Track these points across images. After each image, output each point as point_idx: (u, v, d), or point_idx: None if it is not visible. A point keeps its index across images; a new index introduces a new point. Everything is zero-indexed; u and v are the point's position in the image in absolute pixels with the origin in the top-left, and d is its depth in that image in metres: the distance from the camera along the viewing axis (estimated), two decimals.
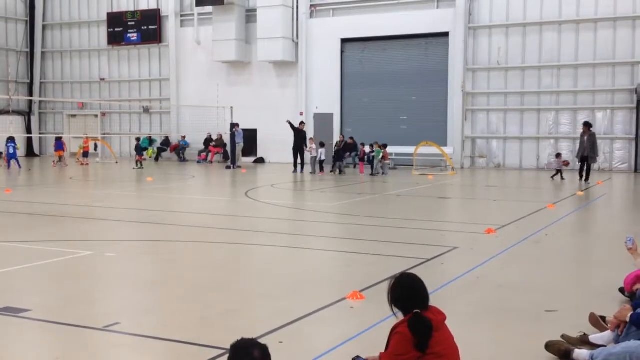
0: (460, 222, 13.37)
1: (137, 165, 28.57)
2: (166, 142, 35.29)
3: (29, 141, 38.19)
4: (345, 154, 29.05)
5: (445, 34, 29.12)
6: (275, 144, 31.35)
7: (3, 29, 37.64)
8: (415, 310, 3.90)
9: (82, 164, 30.50)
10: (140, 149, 30.38)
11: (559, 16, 27.41)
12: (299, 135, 26.14)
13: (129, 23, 36.28)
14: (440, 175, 24.77)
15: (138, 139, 31.68)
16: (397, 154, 28.76)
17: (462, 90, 28.71)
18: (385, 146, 24.82)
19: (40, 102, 39.03)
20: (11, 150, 27.91)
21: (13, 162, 27.91)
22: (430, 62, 29.81)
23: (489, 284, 7.65)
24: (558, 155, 23.04)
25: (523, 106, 28.35)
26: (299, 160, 25.85)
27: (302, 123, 26.96)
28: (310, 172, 24.41)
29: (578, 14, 27.13)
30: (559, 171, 22.08)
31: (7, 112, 31.81)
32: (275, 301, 6.99)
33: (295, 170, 25.66)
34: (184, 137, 34.31)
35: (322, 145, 25.50)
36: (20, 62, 38.62)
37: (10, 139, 28.20)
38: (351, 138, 29.56)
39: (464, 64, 28.73)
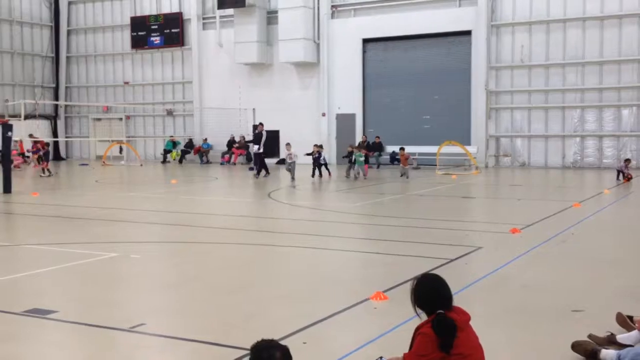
0: (484, 221, 13.27)
1: (43, 173, 25.37)
2: (190, 144, 35.53)
3: (56, 145, 38.69)
4: (370, 154, 29.03)
5: (468, 33, 28.92)
6: (297, 145, 31.34)
7: (29, 35, 38.21)
8: (439, 311, 3.88)
9: (35, 167, 28.71)
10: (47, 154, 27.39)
11: (582, 13, 27.08)
12: (258, 137, 24.64)
13: (152, 27, 36.60)
14: (464, 174, 24.61)
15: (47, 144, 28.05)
16: (420, 154, 28.63)
17: (485, 89, 28.49)
18: (402, 149, 23.61)
19: (66, 106, 39.52)
20: None
21: None
22: (452, 61, 29.62)
23: (514, 284, 7.59)
24: (627, 161, 21.80)
25: (547, 104, 28.05)
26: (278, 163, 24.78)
27: (260, 124, 25.37)
28: (292, 179, 22.00)
29: (602, 10, 26.78)
30: (622, 172, 20.90)
31: (33, 117, 32.27)
32: (299, 302, 7.00)
33: (257, 175, 23.92)
34: (206, 139, 34.51)
35: (321, 147, 23.76)
36: (45, 67, 39.16)
37: None
38: (377, 137, 29.54)
39: (487, 62, 28.51)
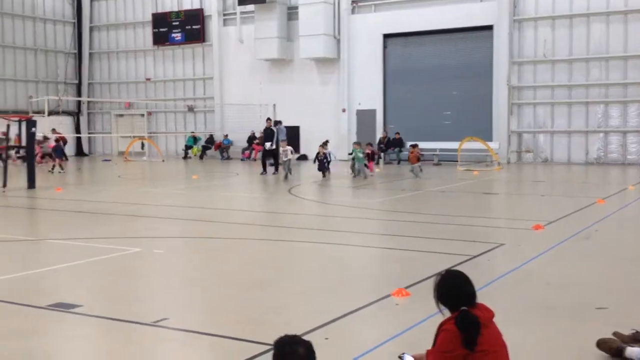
0: (506, 218, 13.17)
1: (53, 170, 25.11)
2: (210, 140, 35.70)
3: (78, 141, 39.09)
4: (389, 150, 28.96)
5: (489, 27, 28.67)
6: (318, 141, 31.29)
7: (52, 31, 38.59)
8: (463, 308, 3.86)
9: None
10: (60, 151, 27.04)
11: (606, 7, 26.71)
12: (266, 133, 24.23)
13: (173, 23, 36.79)
14: (486, 170, 24.43)
15: (57, 140, 27.51)
16: (441, 150, 28.51)
17: (507, 84, 28.24)
18: (413, 146, 22.63)
19: (89, 102, 39.89)
20: None
21: None
22: (474, 56, 29.39)
23: (537, 281, 7.52)
24: None
25: (571, 99, 27.73)
26: (278, 161, 23.60)
27: (268, 119, 25.20)
28: (283, 179, 21.12)
29: (626, 4, 26.38)
30: None
31: (57, 113, 32.63)
32: (320, 298, 7.00)
33: (263, 172, 23.32)
34: (226, 135, 34.64)
35: (325, 145, 22.87)
36: (68, 64, 39.54)
37: None
38: (397, 133, 29.42)
39: (509, 57, 28.25)
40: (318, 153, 22.58)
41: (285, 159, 21.86)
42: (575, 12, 27.21)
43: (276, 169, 23.62)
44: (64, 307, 6.55)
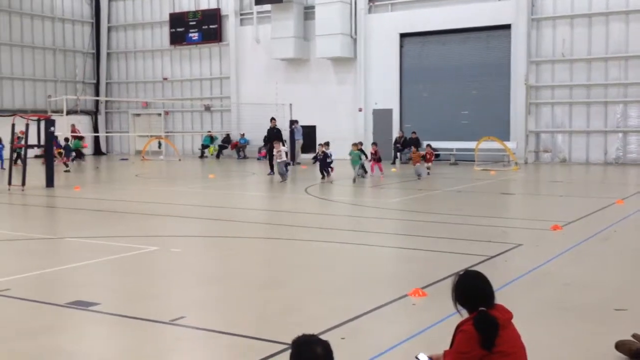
0: (524, 218, 13.08)
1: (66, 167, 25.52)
2: (227, 139, 35.81)
3: (96, 140, 39.41)
4: (405, 149, 28.88)
5: (507, 26, 28.49)
6: (334, 141, 31.32)
7: (70, 31, 38.92)
8: (481, 308, 3.84)
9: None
10: (69, 149, 27.80)
11: (625, 6, 26.45)
12: (272, 133, 23.86)
13: (190, 23, 36.95)
14: (503, 170, 24.29)
15: (67, 139, 28.20)
16: (458, 149, 28.40)
17: (525, 84, 28.05)
18: (415, 147, 22.14)
19: (106, 101, 40.19)
20: None
21: None
22: (491, 55, 29.24)
23: (556, 282, 7.47)
24: None
25: (589, 99, 27.49)
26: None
27: (272, 119, 24.94)
28: (280, 181, 20.19)
29: None
30: None
31: (75, 112, 32.90)
32: (337, 297, 7.00)
33: (271, 172, 22.72)
34: (243, 135, 34.73)
35: (326, 145, 21.93)
36: (87, 63, 39.86)
37: None
38: (413, 133, 29.33)
39: (527, 56, 28.06)
40: (317, 152, 22.14)
41: (279, 160, 20.48)
42: (594, 11, 26.97)
43: (287, 164, 22.99)
44: (82, 305, 6.61)
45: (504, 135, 27.56)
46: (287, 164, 20.70)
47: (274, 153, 21.13)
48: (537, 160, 28.43)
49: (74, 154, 31.05)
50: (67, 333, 5.89)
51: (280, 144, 21.50)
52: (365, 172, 21.61)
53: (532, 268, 8.07)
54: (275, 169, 21.21)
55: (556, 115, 28.15)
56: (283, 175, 20.21)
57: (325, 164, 21.11)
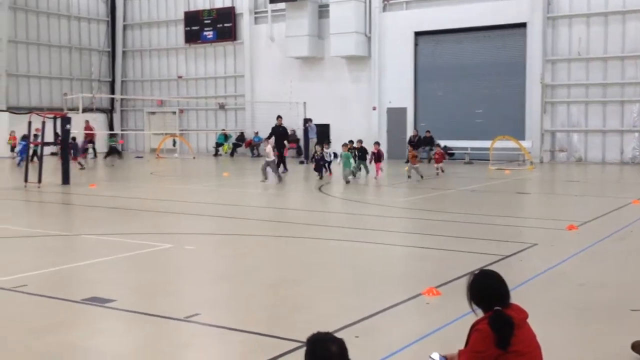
0: (539, 217, 13.00)
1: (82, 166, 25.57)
2: (241, 137, 35.89)
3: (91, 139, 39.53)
4: (420, 148, 28.77)
5: (522, 25, 28.31)
6: (348, 139, 31.35)
7: (86, 30, 39.17)
8: (496, 308, 3.82)
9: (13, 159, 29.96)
10: (76, 148, 26.84)
11: None
12: (277, 131, 23.59)
13: (205, 21, 37.06)
14: (518, 169, 24.15)
15: (74, 138, 26.89)
16: (472, 148, 28.27)
17: (540, 82, 27.87)
18: (412, 146, 21.12)
19: (122, 99, 40.42)
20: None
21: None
22: (506, 54, 29.06)
23: (571, 282, 7.42)
24: None
25: (605, 98, 27.25)
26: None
27: (279, 117, 24.53)
28: (261, 180, 19.34)
29: None
30: None
31: (90, 110, 33.12)
32: (350, 296, 7.00)
33: (283, 171, 22.33)
34: (257, 133, 34.80)
35: (327, 144, 21.94)
36: (102, 61, 40.11)
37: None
38: (428, 132, 29.24)
39: (543, 55, 27.87)
40: (315, 152, 21.61)
41: (269, 160, 19.46)
42: (610, 10, 26.73)
43: (301, 162, 22.65)
44: (98, 301, 6.65)
45: (519, 134, 27.41)
46: (273, 163, 19.54)
47: (262, 152, 20.14)
48: (553, 159, 28.24)
49: (91, 150, 31.30)
50: (82, 329, 5.94)
51: (268, 142, 20.53)
52: (363, 171, 20.86)
53: (547, 268, 8.03)
54: (266, 168, 19.68)
55: (572, 115, 27.94)
56: (264, 172, 19.27)
57: (320, 164, 20.66)
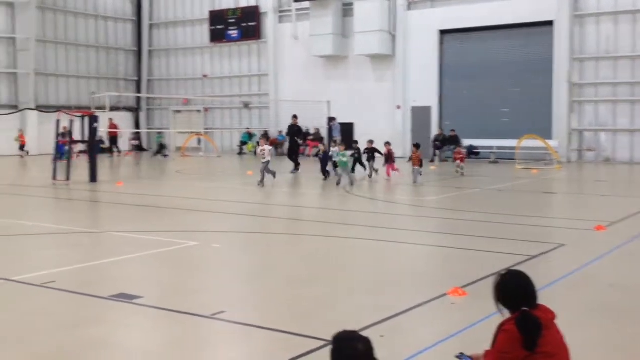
0: (567, 218, 12.85)
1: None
2: (265, 136, 35.96)
3: (138, 136, 39.97)
4: (444, 147, 28.62)
5: (549, 23, 27.99)
6: (372, 138, 31.28)
7: (113, 29, 39.59)
8: (524, 308, 3.78)
9: (21, 157, 30.75)
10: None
11: None
12: (292, 130, 23.30)
13: (230, 20, 37.22)
14: (545, 169, 23.89)
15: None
16: (498, 147, 28.01)
17: (568, 81, 27.53)
18: (415, 146, 19.20)
19: (148, 98, 40.78)
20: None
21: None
22: (533, 52, 28.75)
23: (600, 283, 7.33)
24: None
25: (634, 97, 26.83)
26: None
27: (294, 117, 24.15)
28: (258, 183, 18.15)
29: None
30: None
31: (117, 109, 33.49)
32: (375, 295, 6.98)
33: (294, 170, 22.35)
34: (281, 132, 34.88)
35: (334, 142, 20.72)
36: (129, 61, 40.50)
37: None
38: (452, 130, 29.05)
39: (570, 53, 27.52)
40: (319, 151, 20.84)
41: (263, 160, 18.36)
42: (639, 7, 26.31)
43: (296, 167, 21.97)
44: (126, 297, 6.73)
45: (546, 134, 27.09)
46: (268, 164, 18.30)
47: (258, 152, 18.97)
48: (580, 159, 27.88)
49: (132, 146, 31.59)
50: (110, 325, 6.01)
51: (264, 141, 19.52)
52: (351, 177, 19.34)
53: (575, 269, 7.94)
54: (262, 169, 18.50)
55: (600, 114, 27.56)
56: (262, 175, 18.20)
57: (325, 163, 19.85)
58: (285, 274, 8.02)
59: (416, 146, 19.16)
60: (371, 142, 21.19)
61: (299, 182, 20.38)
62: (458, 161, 21.44)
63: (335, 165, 18.73)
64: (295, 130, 23.82)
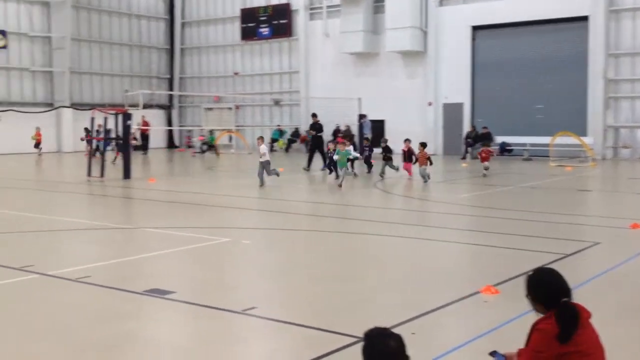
0: (602, 216, 12.63)
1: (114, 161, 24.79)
2: (296, 133, 36.08)
3: (170, 134, 40.42)
4: (476, 144, 28.34)
5: (584, 18, 27.52)
6: (403, 135, 31.07)
7: (146, 28, 40.05)
8: (564, 299, 3.75)
9: (40, 155, 30.62)
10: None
11: None
12: (314, 128, 23.35)
13: (261, 18, 37.37)
14: (580, 166, 23.52)
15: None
16: (531, 144, 27.66)
17: (603, 77, 27.05)
18: (424, 145, 18.70)
19: (180, 96, 41.17)
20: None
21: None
22: (566, 48, 28.30)
23: (635, 283, 7.20)
24: None
25: None
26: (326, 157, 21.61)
27: (314, 115, 24.16)
28: (260, 185, 17.32)
29: None
30: None
31: (150, 106, 33.84)
32: (406, 292, 6.96)
33: (307, 168, 22.09)
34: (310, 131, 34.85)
35: (350, 141, 20.64)
36: (161, 59, 40.93)
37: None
38: (485, 127, 28.77)
39: (606, 48, 27.03)
40: (328, 149, 20.48)
41: (261, 160, 17.60)
42: None
43: (355, 158, 21.73)
44: (159, 293, 6.81)
45: (581, 130, 26.67)
46: (268, 164, 17.59)
47: (260, 152, 17.85)
48: (616, 156, 27.38)
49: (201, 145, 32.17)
50: (143, 320, 6.09)
51: (262, 141, 18.51)
52: (389, 170, 19.34)
53: (610, 267, 7.80)
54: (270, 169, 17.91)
55: (636, 110, 27.02)
56: (260, 177, 17.52)
57: (333, 161, 18.95)
58: (316, 271, 8.03)
59: (422, 145, 18.70)
60: (385, 140, 20.75)
61: (324, 179, 20.38)
62: (486, 162, 19.81)
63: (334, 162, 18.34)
64: (317, 128, 23.97)
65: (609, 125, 27.39)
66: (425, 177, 18.04)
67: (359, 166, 21.96)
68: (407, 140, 19.67)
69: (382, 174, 19.52)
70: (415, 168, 18.78)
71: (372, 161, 21.83)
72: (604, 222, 11.52)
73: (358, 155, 19.82)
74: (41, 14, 34.90)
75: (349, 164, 18.30)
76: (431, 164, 18.40)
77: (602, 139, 27.21)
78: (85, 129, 31.05)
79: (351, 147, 19.29)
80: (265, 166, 17.52)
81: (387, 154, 19.81)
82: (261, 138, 18.76)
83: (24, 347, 5.43)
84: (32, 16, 34.49)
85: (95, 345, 5.42)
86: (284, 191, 16.96)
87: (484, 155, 20.03)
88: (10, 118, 30.89)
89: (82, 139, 31.56)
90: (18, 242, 10.00)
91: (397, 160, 20.22)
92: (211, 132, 35.13)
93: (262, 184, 17.36)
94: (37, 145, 31.20)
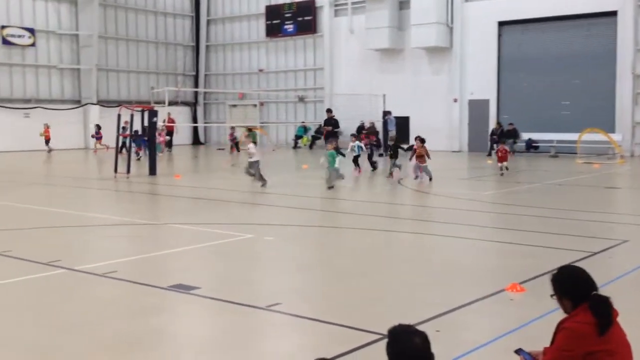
0: (630, 213, 12.45)
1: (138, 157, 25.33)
2: (320, 130, 36.06)
3: (195, 130, 40.71)
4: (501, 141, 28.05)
5: (612, 13, 27.08)
6: (428, 131, 30.86)
7: (172, 25, 40.33)
8: (594, 292, 3.73)
9: (49, 151, 30.42)
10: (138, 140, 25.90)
11: None
12: (329, 123, 23.04)
13: (286, 15, 37.40)
14: (608, 163, 23.19)
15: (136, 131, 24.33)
16: (558, 141, 27.32)
17: (632, 73, 26.60)
18: (419, 140, 18.19)
19: (205, 93, 41.41)
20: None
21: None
22: (594, 43, 27.88)
23: None
24: None
25: None
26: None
27: (329, 111, 24.23)
28: (261, 182, 16.56)
29: None
30: None
31: (175, 103, 34.09)
32: (431, 289, 6.93)
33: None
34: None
35: (355, 137, 20.52)
36: (187, 56, 41.20)
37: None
38: (511, 124, 28.49)
39: (634, 44, 26.58)
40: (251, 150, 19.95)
41: (250, 160, 16.82)
42: None
43: (380, 155, 21.30)
44: (184, 288, 6.86)
45: (609, 127, 26.27)
46: (257, 164, 16.74)
47: (249, 151, 17.07)
48: None
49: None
50: (169, 315, 6.15)
51: (249, 140, 17.98)
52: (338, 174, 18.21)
53: (638, 265, 7.69)
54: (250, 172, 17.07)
55: None
56: (249, 172, 16.85)
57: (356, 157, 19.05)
58: (339, 267, 8.03)
59: (421, 140, 18.13)
60: (393, 137, 20.25)
61: (362, 176, 20.37)
62: (504, 162, 18.99)
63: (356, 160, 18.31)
64: (332, 123, 23.82)
65: (638, 121, 26.94)
66: (427, 175, 17.58)
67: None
68: (418, 138, 18.63)
69: (390, 172, 18.88)
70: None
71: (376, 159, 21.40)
72: (632, 220, 11.36)
73: (344, 154, 19.09)
74: (69, 12, 35.33)
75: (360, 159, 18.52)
76: (499, 160, 18.80)
77: (631, 135, 26.78)
78: (96, 125, 31.51)
79: (356, 144, 20.03)
80: (254, 166, 16.62)
81: (395, 151, 19.21)
82: (249, 135, 17.11)
83: (53, 339, 5.51)
84: (60, 14, 34.91)
85: (121, 339, 5.49)
86: (304, 188, 16.97)
87: (500, 155, 19.35)
88: (38, 115, 31.35)
89: (92, 136, 31.99)
90: (45, 237, 10.16)
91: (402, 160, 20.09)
92: (250, 130, 34.83)
93: (263, 183, 16.53)
94: (46, 142, 31.48)
